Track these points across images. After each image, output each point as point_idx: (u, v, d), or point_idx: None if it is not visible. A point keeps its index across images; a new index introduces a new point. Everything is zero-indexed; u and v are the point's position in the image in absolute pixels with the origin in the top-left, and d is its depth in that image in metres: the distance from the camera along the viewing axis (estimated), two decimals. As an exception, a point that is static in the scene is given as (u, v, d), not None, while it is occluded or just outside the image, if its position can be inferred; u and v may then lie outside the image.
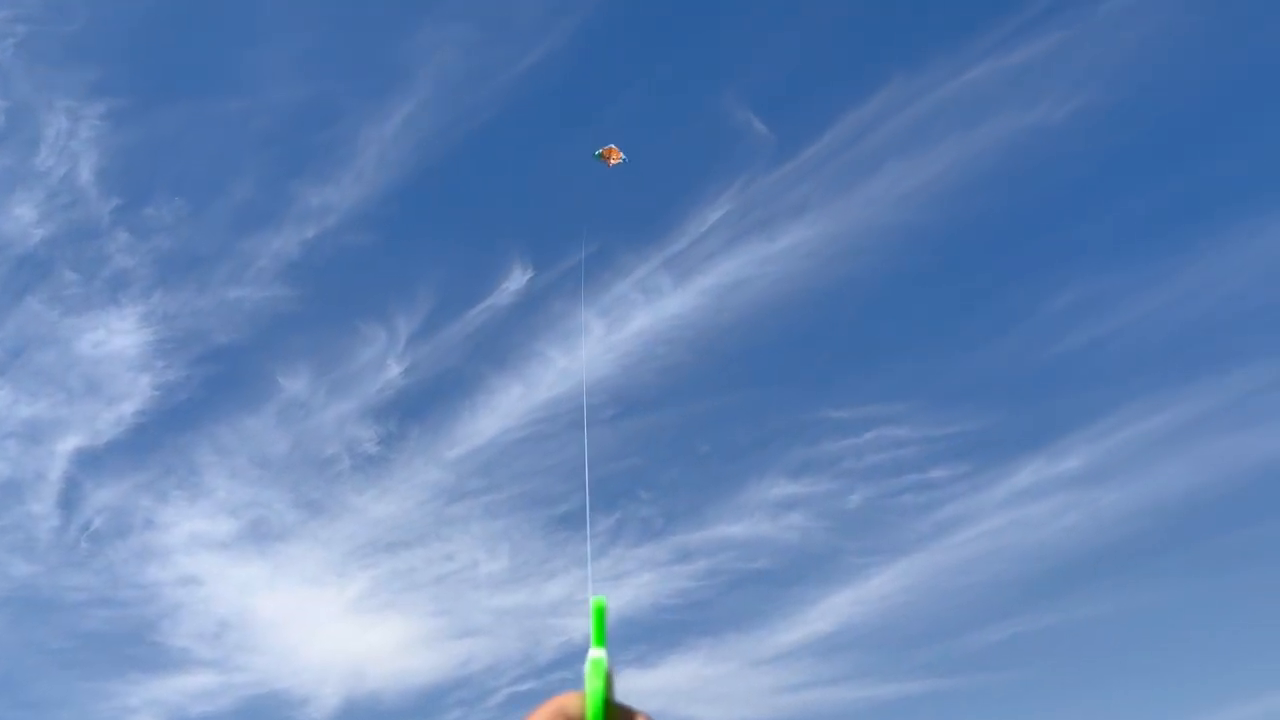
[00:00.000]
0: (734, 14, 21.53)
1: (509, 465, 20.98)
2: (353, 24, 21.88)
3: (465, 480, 21.22)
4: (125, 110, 20.47)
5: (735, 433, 22.17)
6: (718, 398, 22.43)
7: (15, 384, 21.49)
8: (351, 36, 21.87)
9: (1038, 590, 19.74)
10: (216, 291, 21.44)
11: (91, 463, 21.34)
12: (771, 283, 20.97)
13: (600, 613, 0.68)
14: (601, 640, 0.68)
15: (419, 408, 21.45)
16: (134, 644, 20.37)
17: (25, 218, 20.81)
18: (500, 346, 21.32)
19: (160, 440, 21.61)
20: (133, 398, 21.29)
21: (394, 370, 21.49)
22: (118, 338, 21.25)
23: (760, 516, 20.51)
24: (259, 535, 21.42)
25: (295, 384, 21.80)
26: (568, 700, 0.64)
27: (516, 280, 20.79)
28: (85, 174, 20.82)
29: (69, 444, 21.24)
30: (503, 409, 21.12)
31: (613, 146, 10.83)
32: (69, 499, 21.22)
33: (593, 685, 0.65)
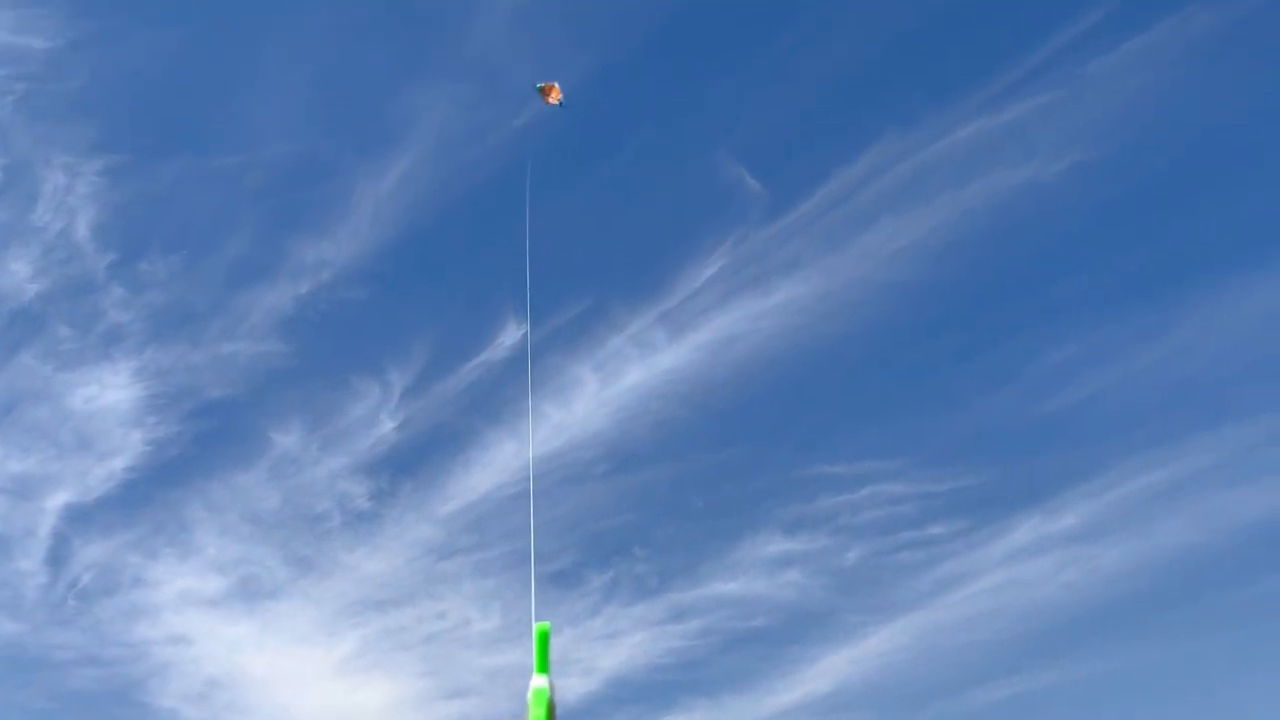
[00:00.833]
0: (726, 71, 21.73)
1: (502, 522, 20.80)
2: (350, 80, 22.04)
3: (457, 537, 21.02)
4: (123, 166, 20.54)
5: (730, 489, 22.03)
6: (712, 453, 22.31)
7: (6, 439, 21.31)
8: (348, 92, 22.02)
9: (1037, 648, 19.50)
10: (210, 346, 21.38)
11: (81, 519, 21.12)
12: (766, 338, 20.97)
13: (544, 638, 0.67)
14: (544, 666, 0.67)
15: (411, 463, 21.29)
16: (120, 704, 20.00)
17: (20, 273, 20.78)
18: (494, 402, 21.22)
19: (151, 496, 21.41)
20: (124, 453, 21.10)
21: (387, 425, 21.35)
22: (110, 393, 21.13)
23: (756, 574, 20.30)
24: (248, 593, 21.15)
25: (287, 439, 21.64)
26: None
27: (511, 335, 20.74)
28: (82, 230, 20.82)
29: (59, 500, 21.03)
30: (496, 465, 20.97)
31: (554, 85, 10.84)
32: (57, 555, 20.95)
33: (535, 714, 0.63)
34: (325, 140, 22.15)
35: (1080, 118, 20.52)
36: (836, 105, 22.10)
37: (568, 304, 20.81)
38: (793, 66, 21.25)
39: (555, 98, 10.88)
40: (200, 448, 21.60)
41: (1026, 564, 19.58)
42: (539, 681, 0.64)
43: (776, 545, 20.44)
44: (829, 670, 19.36)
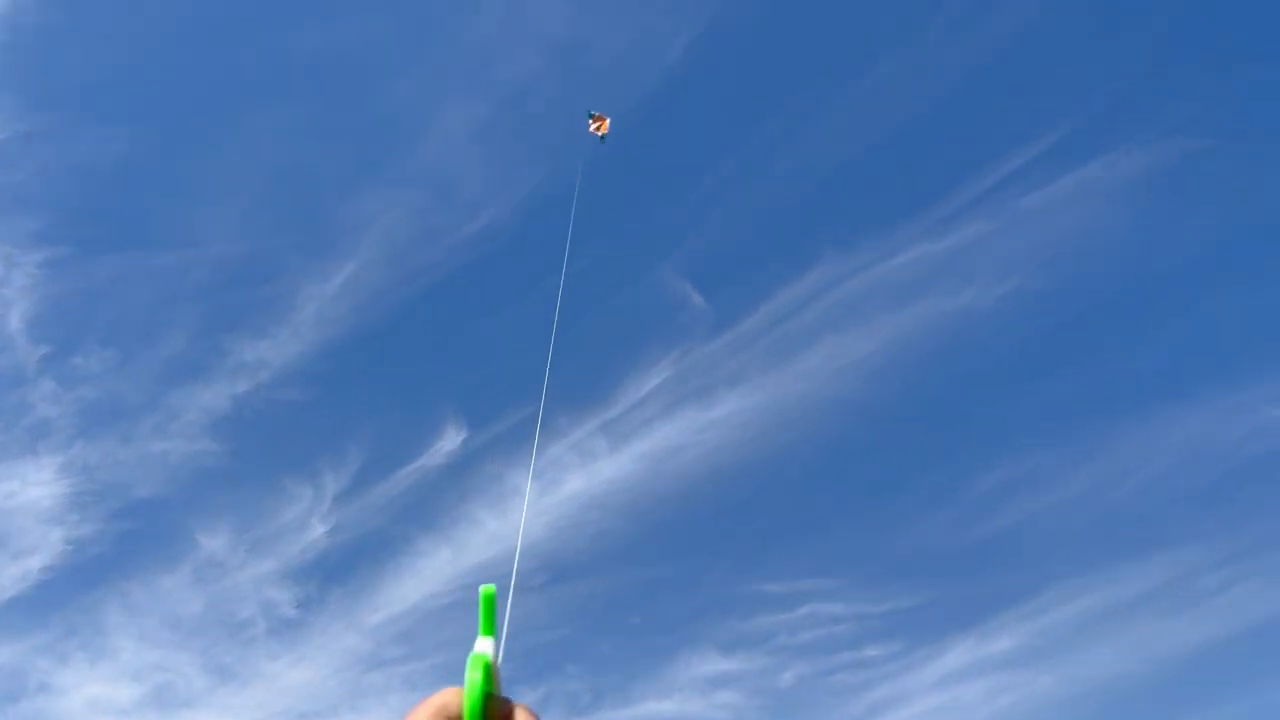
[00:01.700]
0: (676, 190, 22.27)
1: (432, 633, 20.29)
2: (301, 182, 22.21)
3: (385, 648, 20.44)
4: (63, 259, 20.37)
5: (667, 605, 21.78)
6: (650, 567, 22.11)
7: (-84, 534, 20.50)
8: (299, 194, 22.17)
9: (971, 777, 19.22)
10: (141, 444, 20.93)
11: (-11, 620, 20.21)
12: (707, 451, 21.01)
13: (489, 601, 0.62)
14: (490, 629, 0.63)
15: (341, 570, 20.82)
16: (15, 820, 18.88)
17: (-53, 363, 20.30)
18: (430, 508, 20.93)
19: (67, 597, 20.63)
20: (41, 552, 20.41)
21: (318, 530, 20.93)
22: (32, 489, 20.50)
23: (691, 693, 19.94)
24: (164, 701, 20.27)
25: (214, 542, 21.09)
26: (447, 696, 0.61)
27: (450, 441, 20.57)
28: (15, 322, 20.50)
29: (-33, 599, 20.15)
30: (429, 573, 20.57)
31: (606, 119, 10.77)
32: (-40, 659, 19.99)
33: (471, 678, 0.60)
34: (272, 241, 22.19)
35: (1015, 249, 21.21)
36: (781, 228, 22.66)
37: (509, 411, 20.72)
38: (741, 189, 21.81)
39: (602, 130, 10.93)
40: (123, 548, 20.95)
41: (960, 688, 19.46)
42: (481, 645, 0.62)
43: (712, 664, 20.14)
44: (762, 795, 18.91)
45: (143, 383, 21.09)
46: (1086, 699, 19.32)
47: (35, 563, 20.44)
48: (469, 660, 0.60)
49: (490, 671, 0.61)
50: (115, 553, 21.00)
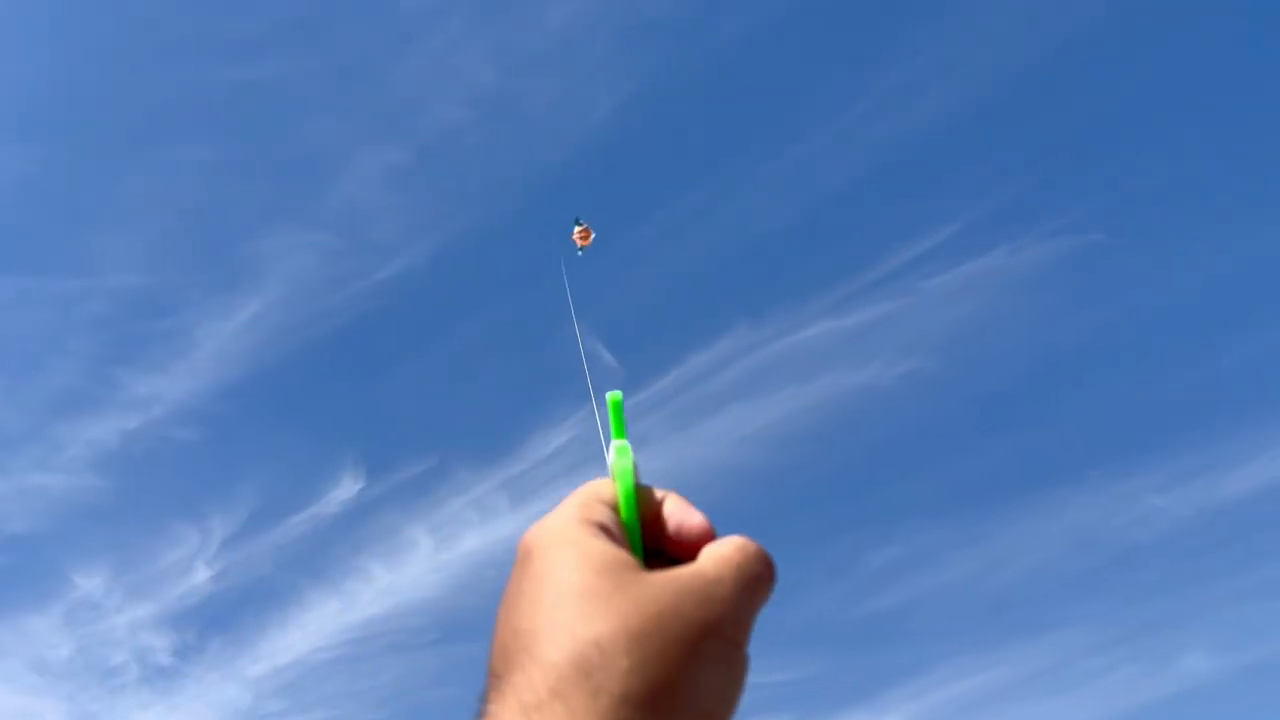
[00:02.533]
0: (593, 249, 22.37)
1: (316, 688, 19.59)
2: (209, 217, 21.72)
3: (265, 701, 19.67)
4: (-51, 279, 19.50)
5: (559, 667, 21.36)
6: (544, 629, 21.69)
7: None
8: (206, 230, 21.65)
9: None
10: (19, 476, 19.99)
11: None
12: (608, 514, 20.82)
13: (617, 407, 0.64)
14: (622, 433, 0.63)
15: (223, 617, 20.05)
16: None
17: None
18: (320, 558, 20.34)
19: (-76, 635, 19.48)
20: (-100, 584, 19.29)
21: (201, 575, 20.14)
22: (-105, 518, 19.42)
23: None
24: (21, 751, 19.16)
25: (90, 582, 20.15)
26: (600, 483, 0.60)
27: (346, 490, 20.08)
28: (-107, 341, 19.54)
29: None
30: (315, 625, 19.93)
31: (591, 232, 10.62)
32: None
33: (621, 465, 0.60)
34: (174, 275, 21.57)
35: (918, 329, 21.71)
36: (696, 295, 22.85)
37: (410, 462, 20.36)
38: (658, 254, 22.00)
39: (585, 242, 10.80)
40: (-10, 585, 19.87)
41: (850, 764, 19.46)
42: (619, 442, 0.60)
43: (601, 730, 19.79)
44: None
45: (27, 412, 20.22)
46: (972, 778, 19.48)
47: (-108, 596, 19.29)
48: (614, 448, 0.61)
49: (634, 464, 0.62)
50: (-19, 590, 19.90)
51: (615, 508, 0.59)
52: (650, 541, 0.60)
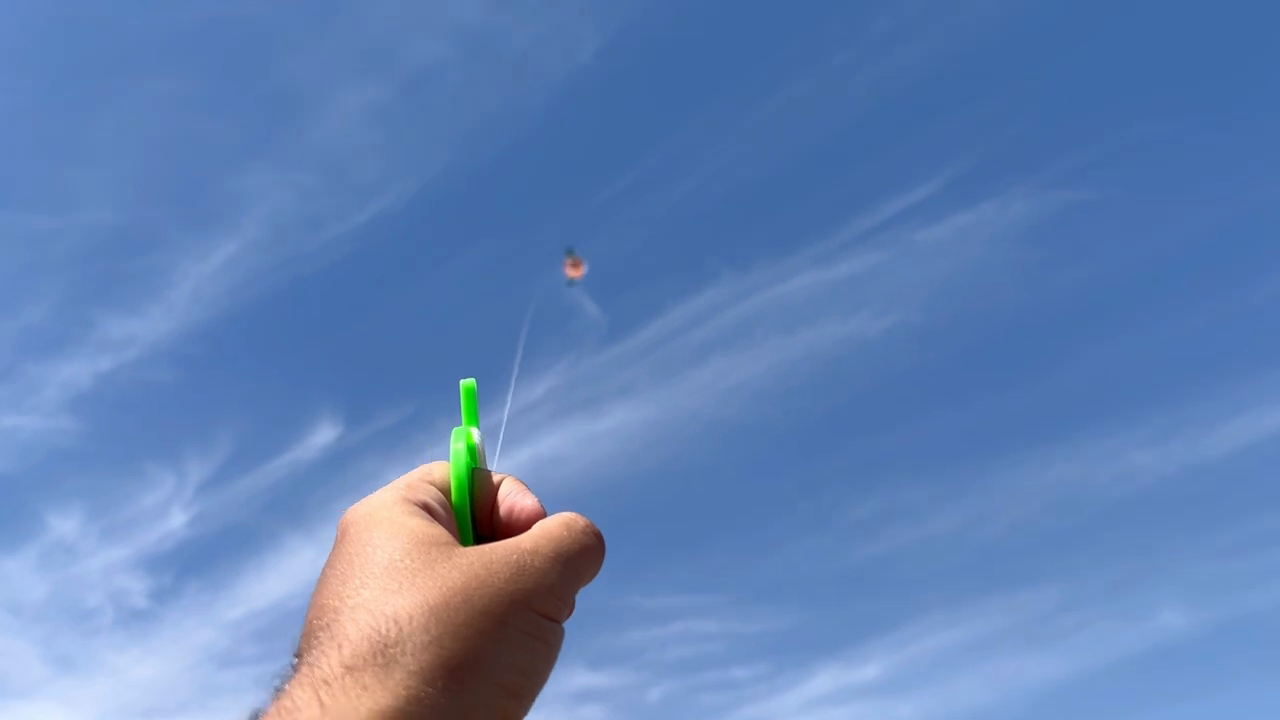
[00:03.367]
0: (576, 194, 22.08)
1: (292, 633, 19.58)
2: (185, 155, 21.32)
3: (242, 645, 19.62)
4: (-81, 214, 19.15)
5: (538, 615, 21.48)
6: (523, 577, 21.78)
7: None
8: (182, 167, 21.25)
9: (829, 801, 19.49)
10: (-9, 417, 19.77)
11: None
12: (591, 462, 20.83)
13: (471, 394, 0.65)
14: (473, 420, 0.65)
15: (200, 562, 19.93)
16: None
17: None
18: (298, 504, 20.25)
19: (-105, 575, 19.36)
20: None
21: (178, 519, 19.99)
22: None
23: (557, 707, 19.58)
24: (-4, 691, 19.13)
25: (65, 524, 19.98)
26: (433, 465, 0.62)
27: (325, 435, 19.96)
28: None
29: None
30: (292, 571, 19.88)
31: (583, 265, 10.53)
32: None
33: (456, 448, 0.61)
34: (150, 213, 21.20)
35: (905, 281, 21.60)
36: (681, 243, 22.65)
37: (388, 409, 20.23)
38: (643, 201, 21.76)
39: (576, 273, 10.66)
40: (-37, 526, 19.73)
41: (825, 713, 19.63)
42: (462, 429, 0.64)
43: (580, 678, 19.92)
44: (622, 813, 18.81)
45: (-1, 352, 19.93)
46: (945, 728, 19.73)
47: None
48: (453, 432, 0.61)
49: (476, 448, 0.62)
50: (-46, 530, 19.78)
51: (447, 490, 0.60)
52: (486, 527, 0.60)
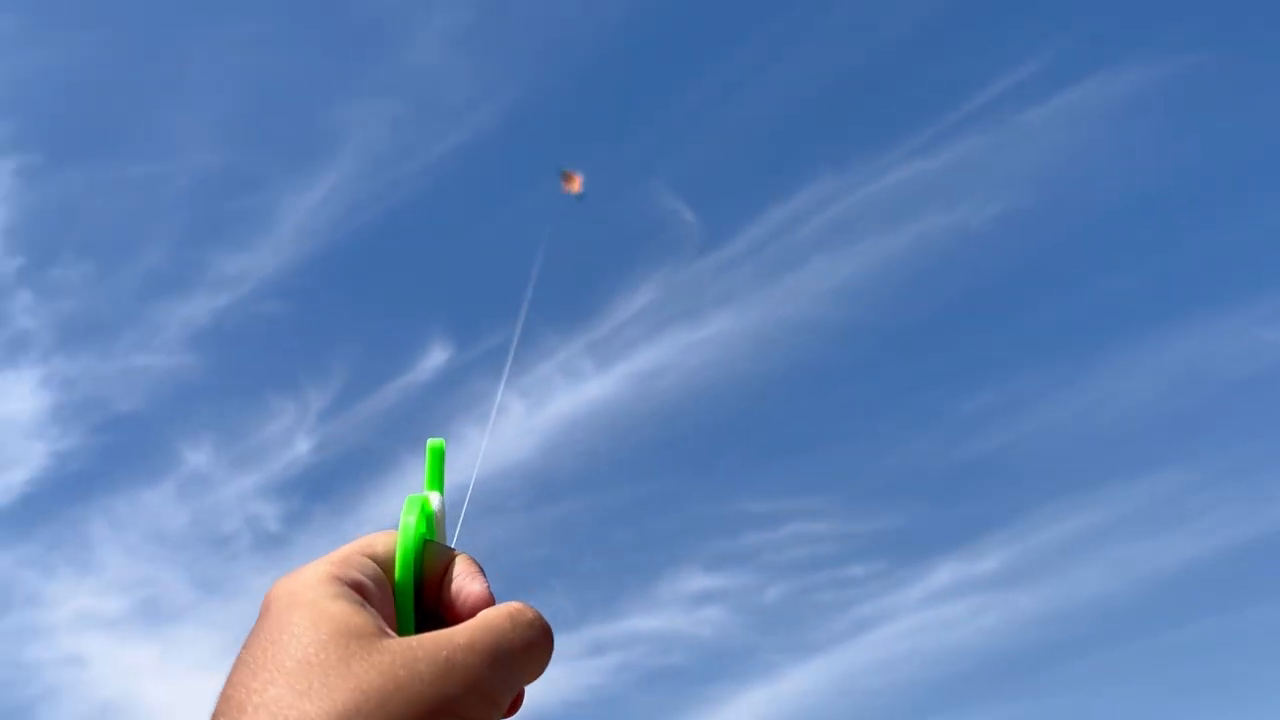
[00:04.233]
0: (667, 104, 21.80)
1: (418, 549, 20.31)
2: (281, 92, 21.61)
3: (371, 563, 20.47)
4: (38, 167, 19.79)
5: (653, 522, 21.81)
6: (636, 486, 22.10)
7: (-104, 447, 20.38)
8: (279, 104, 21.58)
9: (954, 692, 19.56)
10: (121, 358, 20.62)
11: (-27, 533, 20.23)
12: (694, 371, 20.88)
13: (436, 455, 0.62)
14: (437, 485, 0.61)
15: (326, 485, 20.70)
16: (6, 729, 19.07)
17: (-79, 272, 19.96)
18: (415, 425, 20.80)
19: (51, 511, 20.51)
20: (24, 465, 20.20)
21: (302, 446, 20.74)
22: (13, 402, 20.22)
23: (676, 610, 20.06)
24: (150, 615, 20.34)
25: (198, 457, 20.90)
26: (377, 536, 0.57)
27: (436, 357, 20.40)
28: (-11, 230, 20.12)
29: (-50, 512, 20.14)
30: (412, 489, 20.45)
31: (578, 175, 10.50)
32: (-55, 570, 20.04)
33: (405, 520, 0.57)
34: (250, 152, 21.63)
35: (1010, 166, 20.88)
36: (775, 144, 22.24)
37: (495, 328, 20.53)
38: (734, 103, 21.39)
39: (575, 187, 10.62)
40: (106, 462, 20.78)
41: (944, 607, 19.65)
42: (428, 495, 0.60)
43: (698, 581, 20.27)
44: (747, 709, 19.20)
45: (121, 296, 20.71)
46: (1070, 618, 19.54)
47: (18, 476, 20.25)
48: (406, 501, 0.58)
49: (433, 519, 0.59)
50: (98, 467, 20.81)
51: (390, 565, 0.55)
52: (434, 605, 0.56)
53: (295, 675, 0.46)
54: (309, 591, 0.50)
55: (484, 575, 0.56)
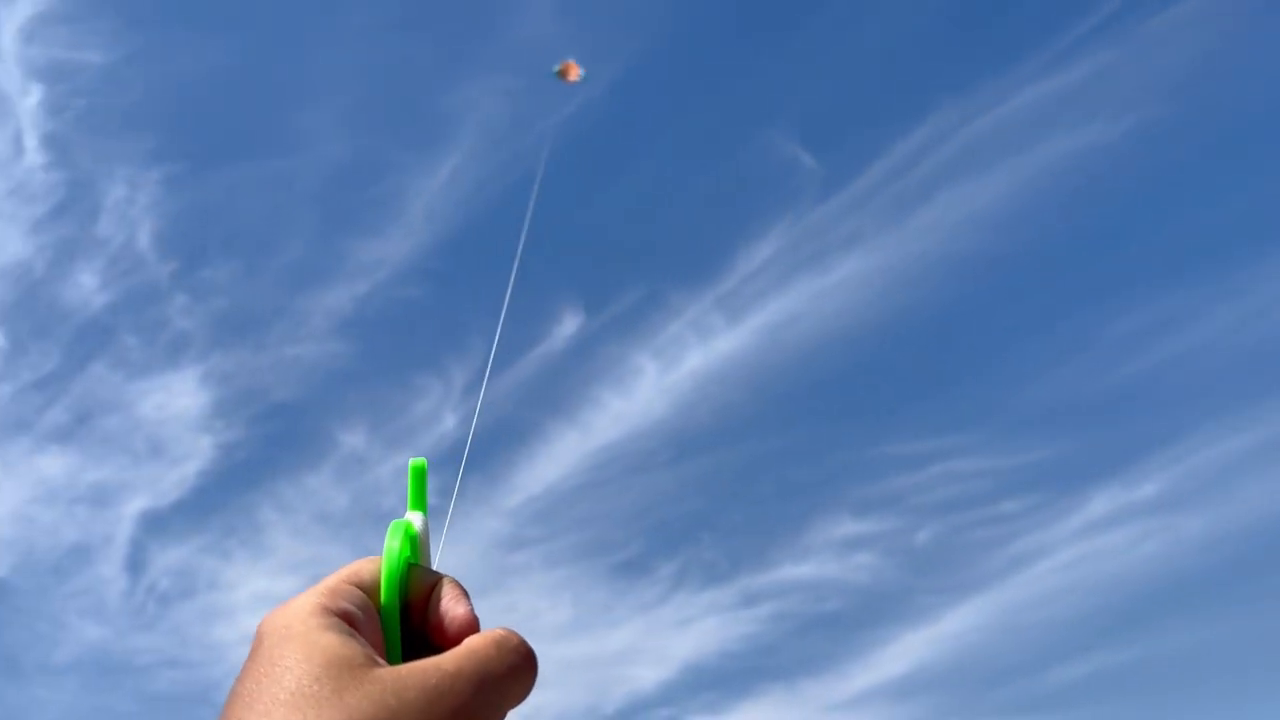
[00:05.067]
0: (776, 46, 21.41)
1: (567, 513, 20.65)
2: (395, 78, 21.95)
3: (524, 529, 20.87)
4: (180, 175, 20.57)
5: (796, 472, 21.57)
6: (777, 436, 21.92)
7: (83, 449, 21.39)
8: (394, 91, 21.93)
9: (1118, 622, 18.94)
10: (273, 350, 21.42)
11: (157, 525, 21.27)
12: (826, 317, 20.52)
13: (418, 474, 0.63)
14: (420, 505, 0.62)
15: (476, 458, 21.19)
16: (202, 704, 20.15)
17: (88, 285, 20.85)
18: (554, 393, 21.09)
19: (223, 500, 21.56)
20: (195, 458, 21.21)
21: (449, 421, 21.23)
22: (179, 399, 21.25)
23: (827, 557, 19.91)
24: (321, 592, 21.28)
25: (353, 439, 21.64)
26: (363, 563, 0.58)
27: (569, 325, 20.64)
28: (144, 239, 20.92)
29: (135, 506, 21.14)
30: (559, 457, 20.87)
31: (571, 62, 10.39)
32: (136, 561, 21.08)
33: (389, 545, 0.58)
34: (373, 139, 22.03)
35: (1141, 77, 19.79)
36: (890, 77, 21.57)
37: (624, 292, 20.67)
38: (843, 39, 20.85)
39: (575, 75, 10.53)
40: (269, 450, 21.68)
41: (1104, 536, 19.04)
42: (411, 517, 0.62)
43: (846, 527, 20.08)
44: (905, 652, 19.02)
45: (268, 290, 21.47)
46: (1237, 538, 18.70)
47: (191, 468, 21.28)
48: (390, 527, 0.59)
49: (417, 541, 0.60)
50: (262, 455, 21.72)
51: (375, 592, 0.57)
52: (420, 627, 0.57)
53: (291, 708, 0.47)
54: (300, 624, 0.52)
55: (468, 598, 0.58)
